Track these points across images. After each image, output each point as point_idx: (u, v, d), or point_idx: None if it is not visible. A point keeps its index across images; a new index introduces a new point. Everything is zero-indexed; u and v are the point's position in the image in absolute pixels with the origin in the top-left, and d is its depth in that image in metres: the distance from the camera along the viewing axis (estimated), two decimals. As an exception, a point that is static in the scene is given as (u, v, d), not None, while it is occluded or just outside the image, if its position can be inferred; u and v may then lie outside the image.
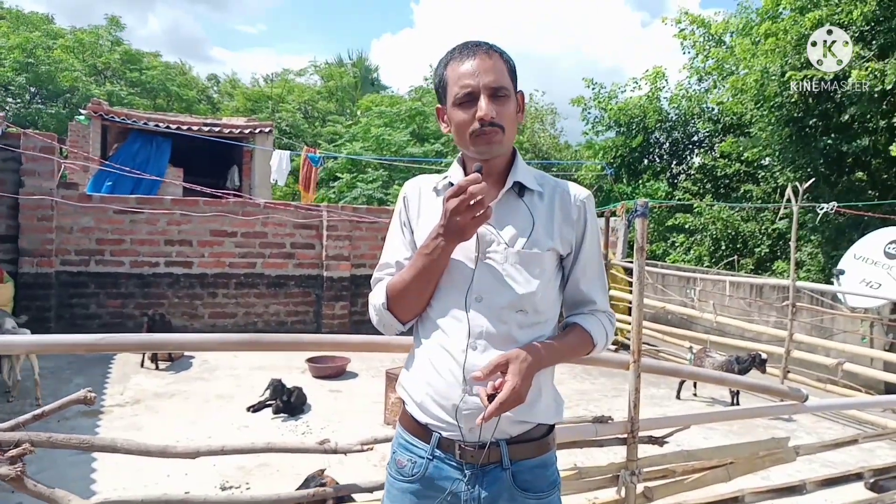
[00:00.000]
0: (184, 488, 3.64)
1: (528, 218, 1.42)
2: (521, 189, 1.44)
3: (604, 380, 6.91)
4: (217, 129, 12.04)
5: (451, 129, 1.44)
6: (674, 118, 15.75)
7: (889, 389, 6.20)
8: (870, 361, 6.46)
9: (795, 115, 10.05)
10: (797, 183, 6.94)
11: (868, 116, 9.13)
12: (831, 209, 8.04)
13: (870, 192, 10.16)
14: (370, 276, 1.58)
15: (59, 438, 1.88)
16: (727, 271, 11.22)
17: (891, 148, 8.58)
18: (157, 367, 6.60)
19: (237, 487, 3.82)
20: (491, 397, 1.27)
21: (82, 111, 12.16)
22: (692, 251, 13.61)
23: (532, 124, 21.94)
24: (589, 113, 16.17)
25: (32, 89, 23.79)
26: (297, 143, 21.28)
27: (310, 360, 6.72)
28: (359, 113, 22.52)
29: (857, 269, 7.18)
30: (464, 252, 1.38)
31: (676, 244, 14.12)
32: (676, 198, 14.21)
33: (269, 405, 5.39)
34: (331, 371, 6.67)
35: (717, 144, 14.88)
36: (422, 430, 1.41)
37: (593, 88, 15.93)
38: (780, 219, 11.54)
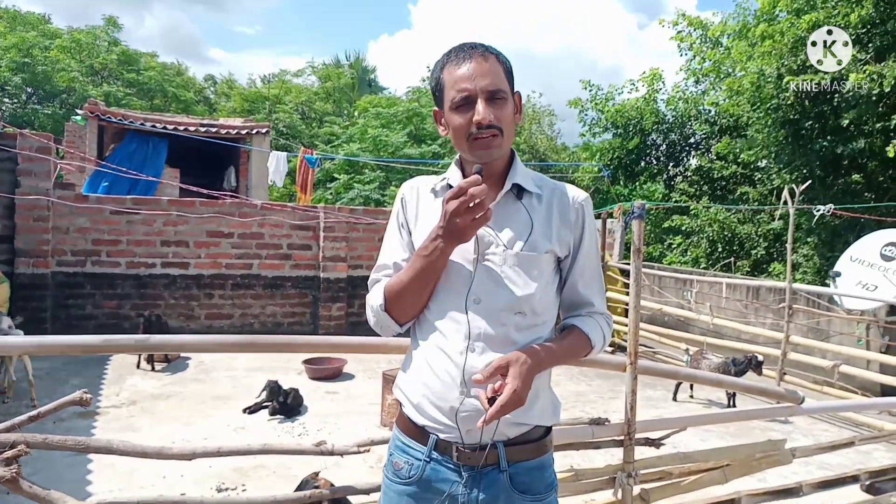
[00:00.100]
0: (180, 490, 3.64)
1: (526, 220, 1.42)
2: (519, 191, 1.44)
3: (600, 381, 6.91)
4: (214, 129, 12.03)
5: (449, 132, 1.43)
6: (671, 120, 15.77)
7: (885, 391, 6.21)
8: (866, 363, 6.48)
9: (791, 117, 10.08)
10: (793, 185, 6.95)
11: (865, 119, 9.15)
12: (827, 211, 8.05)
13: (866, 194, 10.18)
14: (367, 277, 1.58)
15: (54, 440, 1.88)
16: (724, 273, 11.24)
17: (887, 149, 8.60)
18: (153, 369, 6.58)
19: (233, 489, 3.81)
20: (491, 400, 1.27)
21: (79, 111, 12.15)
22: (689, 253, 13.63)
23: (529, 126, 21.97)
24: (586, 115, 16.18)
25: (29, 89, 23.75)
26: (294, 143, 21.24)
27: (306, 362, 6.71)
28: (356, 114, 22.50)
29: (853, 272, 7.20)
30: (462, 254, 1.38)
31: (673, 246, 14.14)
32: (673, 200, 14.23)
33: (266, 406, 5.38)
34: (327, 372, 6.66)
35: (713, 146, 14.91)
36: (419, 432, 1.41)
37: (590, 90, 15.97)
38: (777, 219, 11.56)
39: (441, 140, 17.75)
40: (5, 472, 1.71)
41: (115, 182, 10.05)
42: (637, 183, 15.23)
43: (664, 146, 16.13)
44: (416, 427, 1.41)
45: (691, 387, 6.66)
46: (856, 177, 10.42)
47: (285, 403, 5.34)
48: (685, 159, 16.36)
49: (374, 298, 1.46)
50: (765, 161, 12.28)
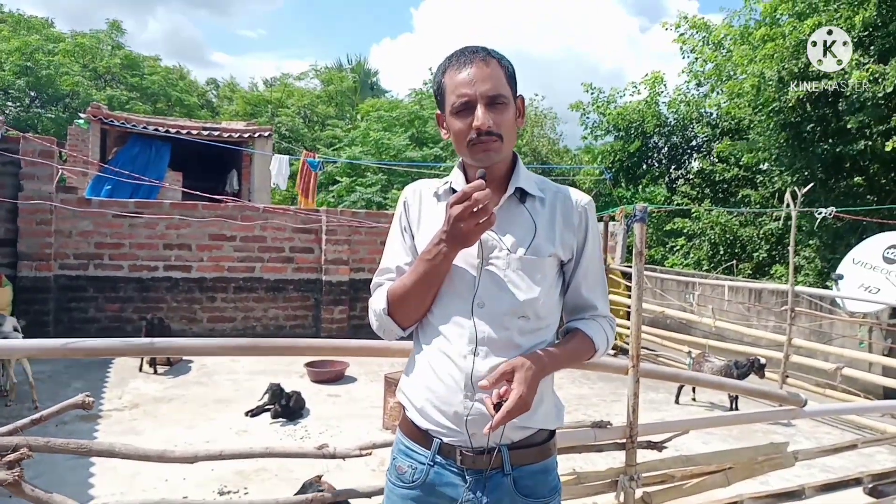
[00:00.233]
0: (182, 493, 3.64)
1: (529, 224, 1.41)
2: (522, 195, 1.44)
3: (602, 384, 6.90)
4: (216, 133, 12.04)
5: (451, 136, 1.44)
6: (672, 123, 15.77)
7: (888, 394, 6.20)
8: (868, 366, 6.46)
9: (793, 119, 10.08)
10: (795, 187, 6.95)
11: (868, 121, 9.15)
12: (829, 214, 8.05)
13: (868, 196, 10.18)
14: (369, 280, 1.58)
15: (57, 443, 1.88)
16: (726, 276, 11.22)
17: (887, 143, 8.56)
18: (155, 372, 6.59)
19: (235, 492, 3.81)
20: (496, 406, 1.27)
21: (82, 115, 12.19)
22: (691, 256, 13.63)
23: (532, 129, 21.97)
24: (588, 117, 16.19)
25: (32, 93, 23.82)
26: (296, 147, 21.27)
27: (308, 365, 6.71)
28: (358, 117, 22.55)
29: (855, 274, 7.18)
30: (465, 258, 1.38)
31: (675, 249, 14.14)
32: (675, 202, 14.22)
33: (268, 409, 5.38)
34: (330, 375, 6.66)
35: (715, 149, 14.91)
36: (422, 436, 1.41)
37: (592, 93, 15.97)
38: (774, 220, 11.56)
39: (443, 143, 17.77)
40: (8, 475, 1.71)
41: (117, 186, 10.06)
42: (639, 186, 15.24)
43: (666, 149, 16.13)
44: (420, 431, 1.41)
45: (693, 390, 6.64)
46: (857, 179, 10.42)
47: (287, 406, 5.34)
48: (687, 162, 16.35)
49: (377, 302, 1.46)
50: (766, 164, 12.28)
